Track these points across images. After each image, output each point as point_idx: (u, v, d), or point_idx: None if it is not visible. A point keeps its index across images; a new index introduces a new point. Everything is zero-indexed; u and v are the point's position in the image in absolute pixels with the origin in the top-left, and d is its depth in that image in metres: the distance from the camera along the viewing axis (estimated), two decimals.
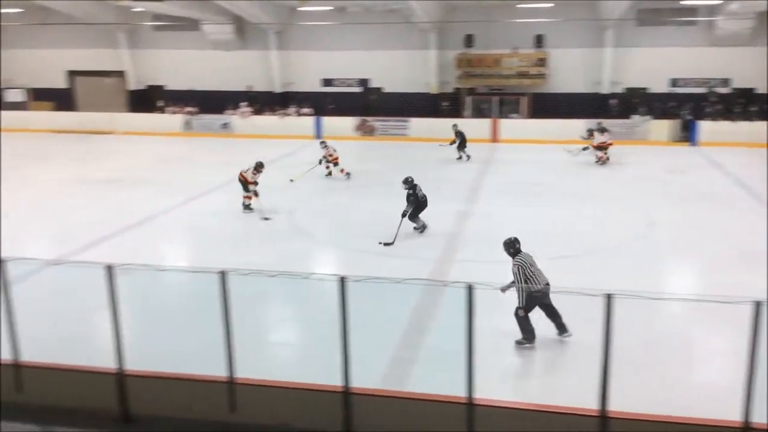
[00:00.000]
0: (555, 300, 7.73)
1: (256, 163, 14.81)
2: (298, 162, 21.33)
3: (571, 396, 6.25)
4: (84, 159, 22.22)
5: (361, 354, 6.13)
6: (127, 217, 14.22)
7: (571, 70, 26.69)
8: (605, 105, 26.14)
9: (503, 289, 7.77)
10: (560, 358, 7.79)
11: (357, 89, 28.70)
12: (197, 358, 7.16)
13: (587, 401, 5.56)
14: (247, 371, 6.30)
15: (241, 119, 27.21)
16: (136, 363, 6.48)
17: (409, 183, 12.56)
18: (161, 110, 28.79)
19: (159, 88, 30.02)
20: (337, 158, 18.59)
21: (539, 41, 26.66)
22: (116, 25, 28.24)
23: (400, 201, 12.66)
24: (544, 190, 16.89)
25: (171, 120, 27.80)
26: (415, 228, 12.76)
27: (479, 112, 27.23)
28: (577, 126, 23.61)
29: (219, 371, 6.21)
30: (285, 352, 8.47)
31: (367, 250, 11.88)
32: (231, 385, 6.21)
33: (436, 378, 6.95)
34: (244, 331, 6.93)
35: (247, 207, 14.78)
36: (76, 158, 22.46)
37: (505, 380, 7.37)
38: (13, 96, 29.88)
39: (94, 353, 6.94)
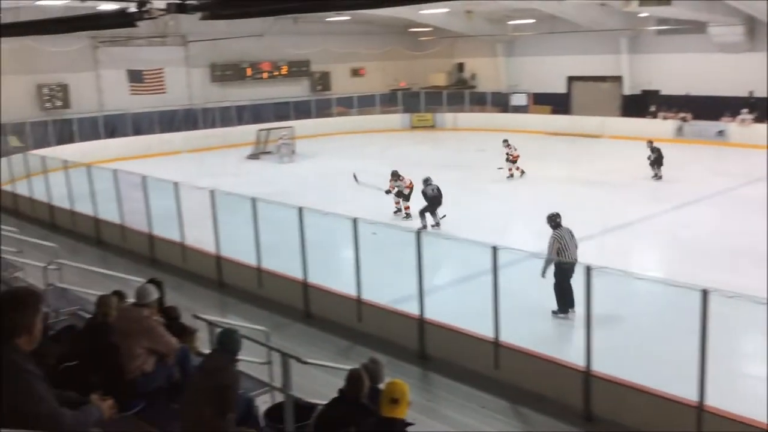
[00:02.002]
0: None
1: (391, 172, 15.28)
2: None
3: None
4: (574, 161, 23.27)
5: None
6: (610, 219, 14.44)
7: None
8: None
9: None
10: None
11: None
12: (663, 373, 6.92)
13: None
14: (716, 400, 5.86)
15: (740, 127, 24.91)
16: (600, 364, 6.60)
17: (423, 181, 13.84)
18: (653, 115, 28.23)
19: (654, 92, 29.44)
20: (516, 157, 18.92)
21: None
22: (619, 31, 28.65)
23: None
24: None
25: (662, 125, 27.01)
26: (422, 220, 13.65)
27: None
28: None
29: (688, 392, 5.91)
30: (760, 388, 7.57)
31: None
32: (700, 410, 5.85)
33: None
34: (716, 355, 6.43)
35: (396, 212, 15.28)
36: (567, 159, 23.67)
37: None
38: (518, 100, 32.92)
39: (563, 347, 7.30)
